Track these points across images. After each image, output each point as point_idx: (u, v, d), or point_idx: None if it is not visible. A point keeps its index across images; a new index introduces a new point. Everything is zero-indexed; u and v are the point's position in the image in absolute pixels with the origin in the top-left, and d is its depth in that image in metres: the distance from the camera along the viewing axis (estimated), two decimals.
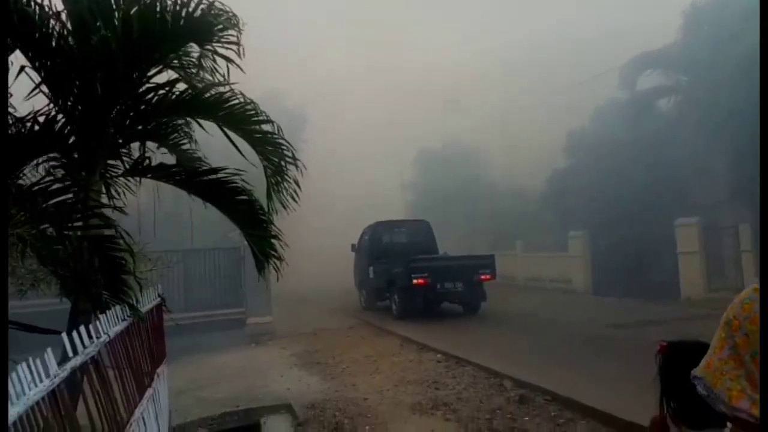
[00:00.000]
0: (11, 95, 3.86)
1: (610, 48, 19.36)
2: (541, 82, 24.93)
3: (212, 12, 4.27)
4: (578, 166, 19.01)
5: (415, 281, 13.42)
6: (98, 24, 4.20)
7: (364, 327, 13.50)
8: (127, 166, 4.79)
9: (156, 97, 4.54)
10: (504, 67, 27.59)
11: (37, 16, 3.83)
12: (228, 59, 4.40)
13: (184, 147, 5.23)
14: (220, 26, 4.32)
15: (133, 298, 4.12)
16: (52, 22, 3.94)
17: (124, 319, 4.22)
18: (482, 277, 13.84)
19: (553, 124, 21.29)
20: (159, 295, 5.77)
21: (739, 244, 13.40)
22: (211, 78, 4.63)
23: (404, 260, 14.02)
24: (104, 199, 4.71)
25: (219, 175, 4.76)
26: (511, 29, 28.02)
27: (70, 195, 4.07)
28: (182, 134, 5.15)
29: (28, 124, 4.16)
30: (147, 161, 4.75)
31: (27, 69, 4.13)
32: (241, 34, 4.44)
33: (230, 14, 4.34)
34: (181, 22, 4.18)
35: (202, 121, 4.79)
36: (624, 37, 19.55)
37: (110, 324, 3.96)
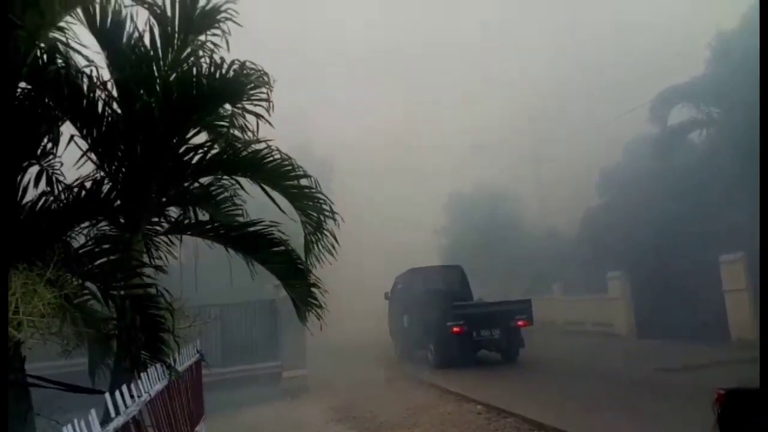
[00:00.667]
0: (61, 164, 4.08)
1: (639, 83, 19.32)
2: (571, 121, 24.93)
3: (244, 72, 4.45)
4: (612, 203, 18.68)
5: (451, 329, 13.14)
6: (141, 91, 4.44)
7: (400, 378, 13.22)
8: (168, 225, 4.94)
9: (196, 158, 4.71)
10: (532, 108, 27.78)
11: (85, 87, 4.06)
12: (258, 116, 4.54)
13: (225, 206, 5.36)
14: (252, 85, 4.49)
15: (171, 357, 4.15)
16: (98, 92, 4.17)
17: (165, 377, 4.25)
18: (519, 323, 13.50)
19: (584, 162, 21.12)
20: (197, 351, 5.80)
21: None
22: (240, 135, 4.78)
23: (439, 308, 13.78)
24: (146, 257, 4.83)
25: (256, 228, 4.85)
26: (538, 70, 28.32)
27: (115, 256, 4.19)
28: (223, 193, 5.28)
29: (75, 190, 4.36)
30: (187, 219, 4.88)
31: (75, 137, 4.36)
32: (271, 91, 4.60)
33: (261, 72, 4.52)
34: (216, 84, 4.37)
35: (241, 179, 4.91)
36: (652, 71, 19.53)
37: (151, 383, 3.99)
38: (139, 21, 4.58)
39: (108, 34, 4.24)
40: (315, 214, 4.82)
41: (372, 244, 26.84)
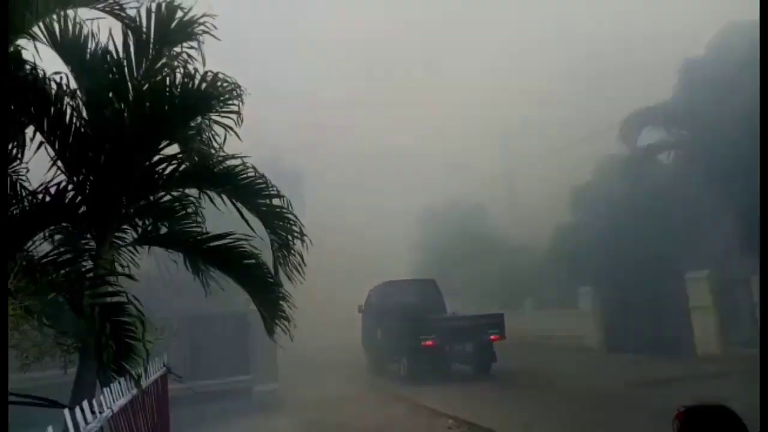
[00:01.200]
0: (27, 170, 3.98)
1: (611, 104, 19.76)
2: (544, 139, 25.36)
3: (216, 83, 4.42)
4: (583, 221, 19.01)
5: (423, 343, 13.14)
6: (111, 97, 4.37)
7: (372, 392, 13.13)
8: (136, 235, 4.85)
9: (167, 169, 4.65)
10: (505, 126, 28.21)
11: (53, 95, 3.99)
12: (228, 128, 4.51)
13: (190, 220, 5.28)
14: (224, 97, 4.46)
15: (141, 367, 4.05)
16: (66, 99, 4.10)
17: (129, 392, 4.14)
18: (492, 337, 13.57)
19: (556, 181, 21.49)
20: (164, 365, 5.66)
21: (752, 297, 13.14)
22: (207, 147, 4.73)
23: (412, 321, 13.75)
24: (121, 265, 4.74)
25: (226, 241, 4.79)
26: (511, 87, 28.81)
27: (81, 265, 4.09)
28: (191, 207, 5.21)
29: (40, 196, 4.25)
30: (155, 231, 4.80)
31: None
32: (243, 103, 4.58)
33: (233, 84, 4.49)
34: (189, 95, 4.34)
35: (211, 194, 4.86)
36: (624, 93, 20.02)
37: (114, 397, 3.88)
38: (115, 30, 4.54)
39: (71, 46, 4.18)
40: (284, 234, 4.78)
41: (346, 257, 26.77)
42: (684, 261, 14.80)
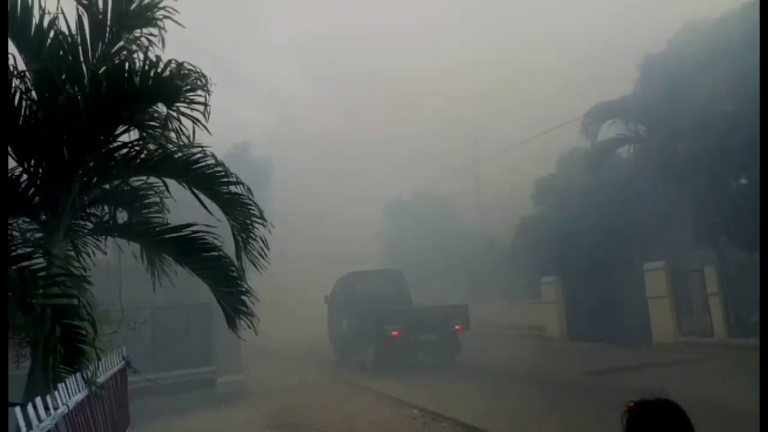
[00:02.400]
0: None
1: (575, 97, 20.08)
2: (508, 132, 25.68)
3: (181, 72, 4.29)
4: (547, 213, 19.36)
5: (389, 333, 13.20)
6: (64, 80, 4.17)
7: (338, 382, 13.13)
8: (93, 225, 4.69)
9: (125, 157, 4.50)
10: (472, 118, 28.43)
11: None
12: (194, 119, 4.39)
13: (151, 209, 5.13)
14: (188, 87, 4.33)
15: (92, 369, 3.91)
16: (16, 81, 3.90)
17: (86, 387, 4.02)
18: (456, 327, 13.74)
19: (520, 172, 21.79)
20: (123, 358, 5.53)
21: (706, 288, 13.66)
22: (176, 138, 4.60)
23: (378, 312, 13.79)
24: (68, 260, 4.56)
25: (187, 232, 4.67)
26: (477, 80, 29.05)
27: (34, 261, 3.91)
28: (150, 196, 5.07)
29: None
30: (112, 220, 4.65)
31: None
32: (210, 94, 4.45)
33: (199, 74, 4.36)
34: (150, 82, 4.19)
35: (170, 182, 4.73)
36: (586, 87, 20.40)
37: (70, 393, 3.76)
38: (69, 10, 4.33)
39: (20, 24, 3.96)
40: (243, 219, 4.70)
41: (313, 247, 26.67)
42: (644, 252, 15.27)
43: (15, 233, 4.28)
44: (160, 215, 5.13)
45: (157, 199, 5.08)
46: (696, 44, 13.38)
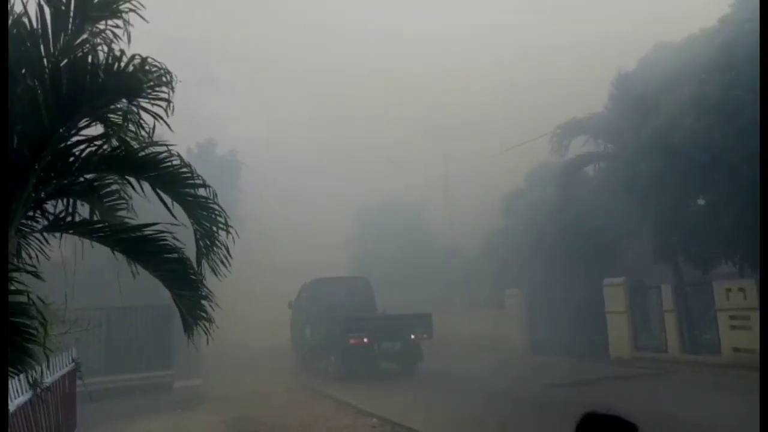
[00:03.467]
0: None
1: (548, 112, 20.40)
2: (478, 144, 25.99)
3: (145, 68, 4.20)
4: (514, 225, 19.63)
5: (352, 341, 13.15)
6: (24, 73, 4.05)
7: (299, 389, 12.98)
8: (47, 222, 4.52)
9: (85, 152, 4.36)
10: (443, 128, 28.69)
11: None
12: (156, 116, 4.30)
13: (114, 206, 4.98)
14: (152, 83, 4.25)
15: (39, 370, 3.77)
16: None
17: (29, 390, 3.87)
18: (420, 336, 13.80)
19: (490, 185, 22.07)
20: (73, 360, 5.34)
21: (662, 304, 14.03)
22: (136, 132, 4.49)
23: (342, 319, 13.71)
24: (17, 256, 4.38)
25: (147, 232, 4.54)
26: (449, 92, 29.34)
27: None
28: (113, 192, 4.93)
29: None
30: (69, 217, 4.50)
31: None
32: (173, 91, 4.37)
33: (163, 71, 4.28)
34: (113, 76, 4.09)
35: (132, 181, 4.62)
36: (560, 101, 20.75)
37: (12, 395, 3.61)
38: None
39: None
40: (208, 224, 4.61)
41: (280, 251, 26.41)
42: (606, 268, 15.60)
43: None
44: (123, 214, 4.99)
45: (118, 197, 4.94)
46: (664, 64, 13.81)
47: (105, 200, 4.92)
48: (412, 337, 13.72)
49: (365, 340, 13.23)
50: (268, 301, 22.01)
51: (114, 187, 5.02)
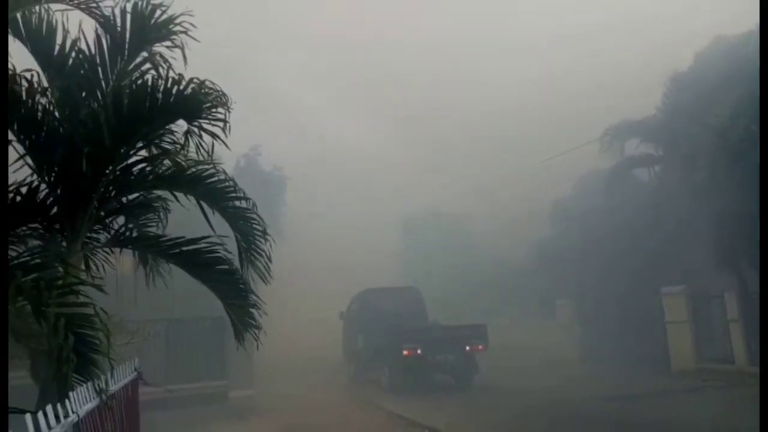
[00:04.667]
0: None
1: (600, 115, 19.86)
2: (527, 150, 25.55)
3: (203, 90, 4.40)
4: (564, 234, 19.15)
5: (405, 352, 12.93)
6: (84, 96, 4.30)
7: (351, 401, 13.01)
8: (108, 237, 4.78)
9: (141, 171, 4.60)
10: (490, 137, 28.39)
11: (24, 93, 3.92)
12: (214, 135, 4.49)
13: (155, 222, 5.25)
14: (210, 104, 4.44)
15: (104, 378, 3.96)
16: (38, 97, 4.03)
17: (97, 396, 4.06)
18: (476, 347, 13.40)
19: (537, 193, 21.66)
20: (135, 369, 5.57)
21: (726, 314, 13.33)
22: (195, 153, 4.72)
23: (395, 330, 13.54)
24: (84, 270, 4.65)
25: (199, 245, 4.74)
26: (493, 101, 29.04)
27: (50, 270, 4.00)
28: (159, 209, 5.18)
29: (11, 195, 4.17)
30: (128, 232, 4.74)
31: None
32: (230, 112, 4.57)
33: (219, 93, 4.47)
34: (172, 99, 4.30)
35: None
36: (612, 105, 20.16)
37: (81, 402, 3.80)
38: (87, 26, 4.49)
39: (43, 42, 4.13)
40: (249, 234, 4.79)
41: (327, 264, 26.67)
42: (662, 276, 14.98)
43: (34, 243, 4.38)
44: (163, 228, 5.25)
45: (168, 212, 5.19)
46: (720, 61, 13.23)
47: (152, 220, 5.17)
48: (467, 348, 13.38)
49: (418, 351, 12.98)
50: (316, 318, 22.22)
51: (160, 212, 5.27)
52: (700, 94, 13.35)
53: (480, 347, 13.49)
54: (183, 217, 5.12)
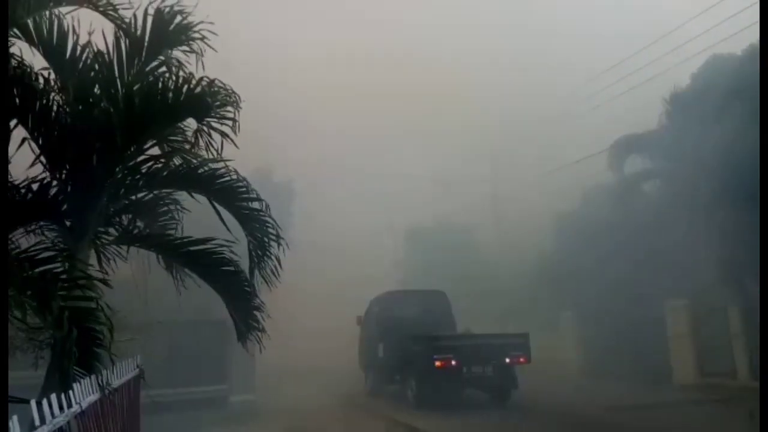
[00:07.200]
0: (10, 162, 3.99)
1: (603, 129, 19.85)
2: (532, 162, 25.55)
3: (212, 89, 4.49)
4: (568, 247, 19.13)
5: (437, 363, 11.33)
6: (98, 94, 4.39)
7: (365, 413, 12.47)
8: (117, 234, 4.86)
9: (151, 169, 4.69)
10: (494, 148, 28.44)
11: (39, 90, 4.02)
12: (224, 134, 4.57)
13: (167, 222, 5.32)
14: (219, 103, 4.53)
15: (105, 373, 4.02)
16: (53, 95, 4.13)
17: (100, 389, 4.11)
18: (517, 359, 11.88)
19: (542, 205, 21.67)
20: (137, 366, 5.61)
21: (729, 328, 13.28)
22: (205, 152, 4.79)
23: (425, 337, 12.07)
24: (94, 266, 4.72)
25: (206, 246, 4.81)
26: (501, 107, 29.07)
27: (57, 264, 4.07)
28: (170, 208, 5.25)
29: (23, 191, 4.26)
30: (137, 230, 4.82)
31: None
32: (239, 111, 4.64)
33: (229, 91, 4.56)
34: (182, 98, 4.39)
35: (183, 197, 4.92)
36: (615, 118, 20.19)
37: (84, 394, 3.85)
38: (106, 28, 4.60)
39: (59, 43, 4.24)
40: (260, 236, 4.85)
41: (334, 271, 26.63)
42: (667, 290, 14.95)
43: (43, 238, 4.46)
44: (175, 228, 5.30)
45: (177, 212, 5.26)
46: (724, 75, 13.30)
47: (161, 220, 5.24)
48: (507, 360, 11.76)
49: (453, 362, 11.35)
50: (321, 327, 22.13)
51: (171, 210, 5.34)
52: (701, 110, 13.43)
53: (522, 359, 11.90)
54: (205, 218, 5.15)
